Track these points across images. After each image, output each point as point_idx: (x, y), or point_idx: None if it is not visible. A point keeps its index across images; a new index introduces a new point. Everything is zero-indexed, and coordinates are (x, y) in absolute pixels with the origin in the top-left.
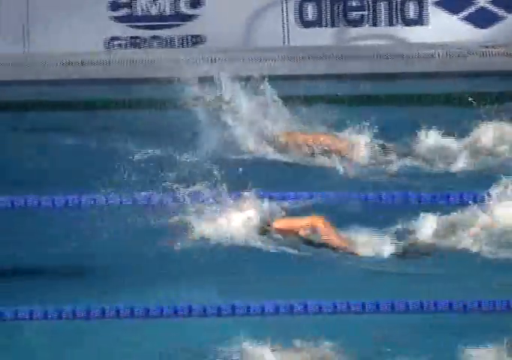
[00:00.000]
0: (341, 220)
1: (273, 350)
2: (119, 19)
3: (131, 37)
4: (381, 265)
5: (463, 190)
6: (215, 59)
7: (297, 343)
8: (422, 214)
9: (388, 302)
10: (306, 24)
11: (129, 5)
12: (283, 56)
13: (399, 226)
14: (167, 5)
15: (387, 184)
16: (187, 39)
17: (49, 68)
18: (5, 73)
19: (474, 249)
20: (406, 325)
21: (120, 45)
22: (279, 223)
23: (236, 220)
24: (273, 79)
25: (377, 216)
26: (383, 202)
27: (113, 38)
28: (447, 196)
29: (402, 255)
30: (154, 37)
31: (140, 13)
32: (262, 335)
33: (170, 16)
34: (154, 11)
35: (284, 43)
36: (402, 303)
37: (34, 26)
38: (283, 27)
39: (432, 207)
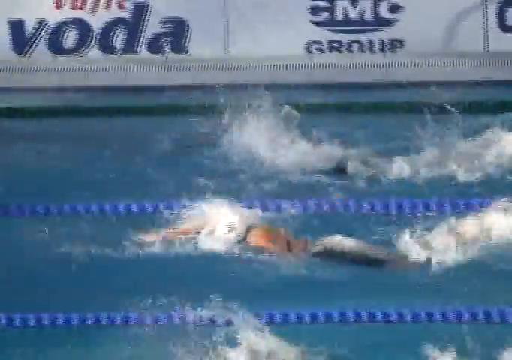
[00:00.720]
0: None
1: None
2: (319, 24)
3: (331, 42)
4: None
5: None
6: (415, 64)
7: None
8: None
9: None
10: (508, 28)
11: (329, 10)
12: (479, 61)
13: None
14: (367, 10)
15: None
16: (386, 43)
17: (250, 72)
18: (205, 77)
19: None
20: None
21: (320, 49)
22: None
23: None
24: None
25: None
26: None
27: (314, 42)
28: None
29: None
30: (354, 42)
31: (340, 18)
32: None
33: (369, 20)
34: (354, 15)
35: (484, 48)
36: None
37: (235, 30)
38: (484, 31)
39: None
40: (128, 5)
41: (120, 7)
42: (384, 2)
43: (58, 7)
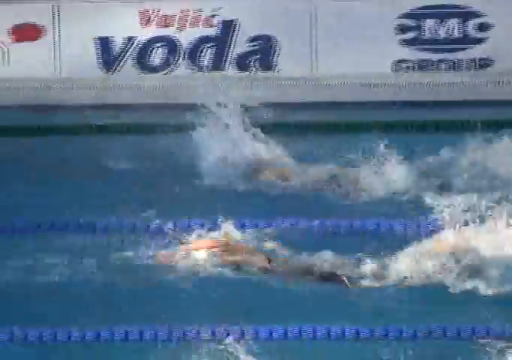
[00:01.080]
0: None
1: None
2: (407, 42)
3: (419, 60)
4: None
5: None
6: (502, 82)
7: None
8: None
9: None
10: None
11: (417, 28)
12: None
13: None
14: (455, 28)
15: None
16: (474, 62)
17: (335, 90)
18: (292, 95)
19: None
20: None
21: (408, 67)
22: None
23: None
24: None
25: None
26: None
27: (401, 61)
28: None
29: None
30: (441, 61)
31: (427, 36)
32: None
33: (457, 39)
34: (442, 34)
35: None
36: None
37: (322, 48)
38: None
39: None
40: (216, 22)
41: (208, 24)
42: (472, 21)
43: (146, 24)
